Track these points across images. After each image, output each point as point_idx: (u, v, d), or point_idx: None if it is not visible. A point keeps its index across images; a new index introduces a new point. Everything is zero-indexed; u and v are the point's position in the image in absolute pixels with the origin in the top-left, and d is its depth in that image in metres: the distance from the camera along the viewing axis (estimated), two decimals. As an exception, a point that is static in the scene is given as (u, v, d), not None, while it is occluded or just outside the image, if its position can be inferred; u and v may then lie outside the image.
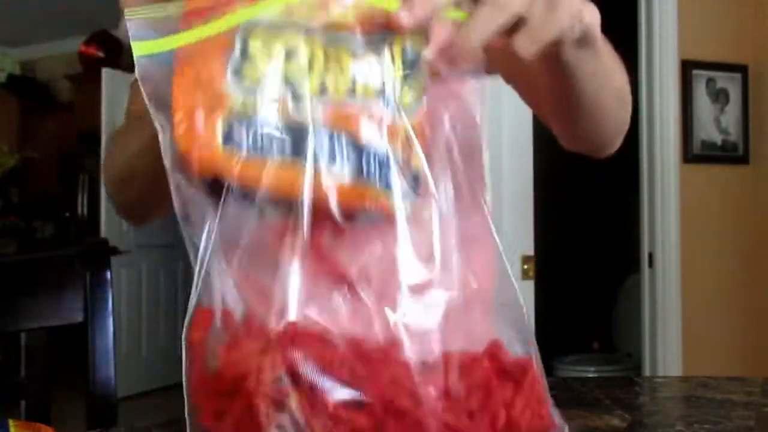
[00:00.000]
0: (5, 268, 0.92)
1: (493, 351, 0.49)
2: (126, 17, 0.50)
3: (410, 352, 0.45)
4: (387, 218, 0.48)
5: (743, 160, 3.15)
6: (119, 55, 6.09)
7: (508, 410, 0.46)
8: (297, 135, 0.48)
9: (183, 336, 0.48)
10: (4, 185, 6.33)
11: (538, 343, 0.51)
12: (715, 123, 3.10)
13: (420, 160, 0.49)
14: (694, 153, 3.04)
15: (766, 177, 3.13)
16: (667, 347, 3.00)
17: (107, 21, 5.96)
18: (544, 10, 0.51)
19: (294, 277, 0.46)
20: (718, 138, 3.11)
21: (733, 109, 3.13)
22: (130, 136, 0.83)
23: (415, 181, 0.49)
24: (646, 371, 3.06)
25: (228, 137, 0.48)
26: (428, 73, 0.51)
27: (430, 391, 0.44)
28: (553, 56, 0.61)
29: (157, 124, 0.50)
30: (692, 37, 3.01)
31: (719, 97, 3.10)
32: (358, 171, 0.48)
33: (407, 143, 0.49)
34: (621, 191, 4.30)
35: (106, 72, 4.71)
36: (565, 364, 3.81)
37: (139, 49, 0.51)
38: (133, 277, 4.96)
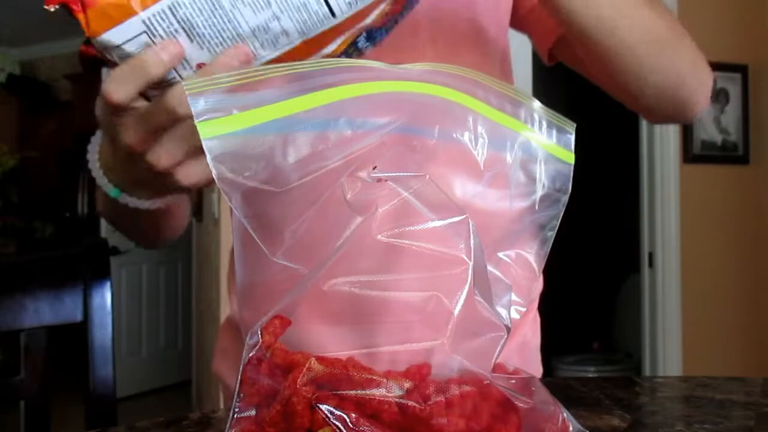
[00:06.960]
0: (5, 268, 0.92)
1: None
2: (187, 90, 0.42)
3: None
4: None
5: (743, 160, 3.15)
6: (119, 55, 6.08)
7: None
8: None
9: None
10: (4, 185, 6.32)
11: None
12: (715, 123, 3.10)
13: None
14: (694, 153, 3.04)
15: (766, 177, 3.13)
16: (667, 347, 3.00)
17: (107, 21, 5.96)
18: None
19: None
20: (718, 138, 3.10)
21: (733, 109, 3.13)
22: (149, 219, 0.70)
23: None
24: (646, 371, 3.05)
25: None
26: None
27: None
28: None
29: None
30: (692, 37, 3.00)
31: (719, 97, 3.10)
32: None
33: None
34: (621, 191, 4.30)
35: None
36: (565, 364, 3.81)
37: (208, 130, 0.42)
38: (133, 277, 4.96)
